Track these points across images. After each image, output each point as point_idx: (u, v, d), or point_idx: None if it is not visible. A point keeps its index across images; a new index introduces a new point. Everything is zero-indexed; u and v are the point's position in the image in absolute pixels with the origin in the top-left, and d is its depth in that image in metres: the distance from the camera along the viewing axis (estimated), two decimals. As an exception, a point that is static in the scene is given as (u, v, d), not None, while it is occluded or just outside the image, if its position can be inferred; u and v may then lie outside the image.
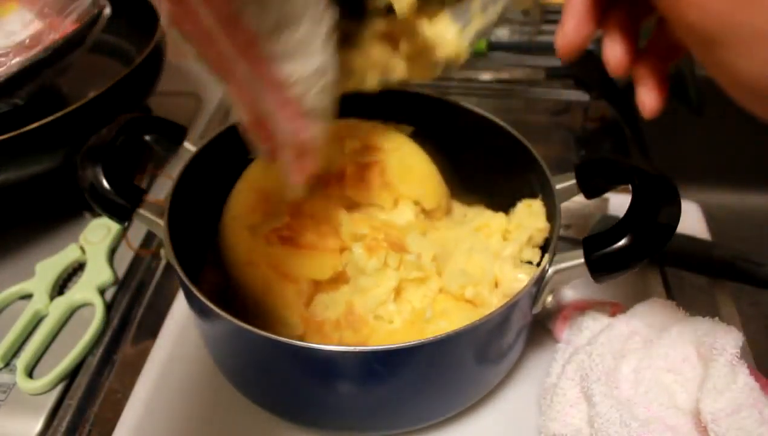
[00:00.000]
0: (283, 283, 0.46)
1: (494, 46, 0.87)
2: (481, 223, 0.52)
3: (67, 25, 0.60)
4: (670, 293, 0.57)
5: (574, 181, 0.47)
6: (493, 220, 0.52)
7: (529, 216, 0.50)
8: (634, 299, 0.50)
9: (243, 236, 0.47)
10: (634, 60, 0.36)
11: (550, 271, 0.43)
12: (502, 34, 0.92)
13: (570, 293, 0.55)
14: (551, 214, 0.48)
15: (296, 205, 0.50)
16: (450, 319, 0.44)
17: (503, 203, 0.55)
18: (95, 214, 0.65)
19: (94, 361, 0.53)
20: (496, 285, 0.47)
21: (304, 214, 0.50)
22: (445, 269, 0.49)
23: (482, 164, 0.57)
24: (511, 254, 0.49)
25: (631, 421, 0.40)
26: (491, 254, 0.49)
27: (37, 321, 0.55)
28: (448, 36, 0.45)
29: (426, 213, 0.55)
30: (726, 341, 0.41)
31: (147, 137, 0.51)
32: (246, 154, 0.54)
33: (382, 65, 0.47)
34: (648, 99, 0.36)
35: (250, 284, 0.46)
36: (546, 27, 0.92)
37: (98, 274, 0.58)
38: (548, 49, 0.87)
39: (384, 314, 0.46)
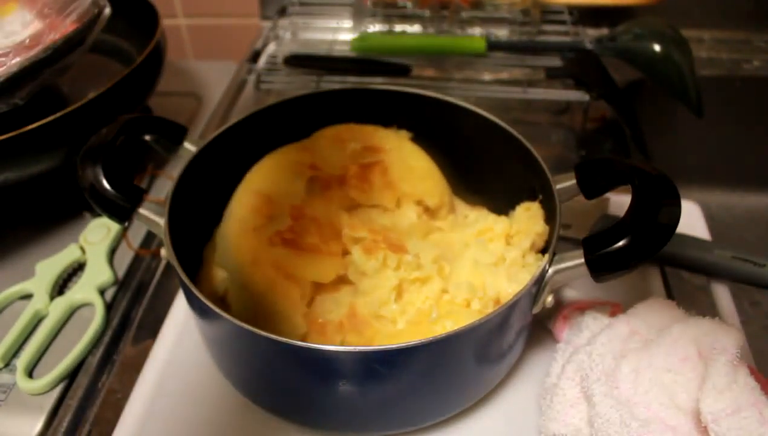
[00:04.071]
0: (286, 283, 0.46)
1: (494, 46, 0.87)
2: (485, 227, 0.52)
3: (67, 25, 0.60)
4: (670, 293, 0.57)
5: (574, 181, 0.47)
6: (496, 224, 0.52)
7: (528, 220, 0.50)
8: (634, 299, 0.50)
9: (247, 238, 0.47)
10: None
11: (550, 271, 0.43)
12: (502, 34, 0.92)
13: (570, 293, 0.55)
14: (551, 215, 0.48)
15: (298, 208, 0.50)
16: (456, 319, 0.44)
17: (503, 203, 0.55)
18: (95, 214, 0.65)
19: (94, 361, 0.53)
20: (498, 301, 0.47)
21: (306, 217, 0.50)
22: (450, 272, 0.49)
23: (482, 164, 0.58)
24: (513, 260, 0.49)
25: (631, 421, 0.40)
26: (496, 267, 0.48)
27: (37, 321, 0.55)
28: None
29: (429, 212, 0.55)
30: (726, 341, 0.41)
31: (147, 137, 0.51)
32: (246, 154, 0.54)
33: None
34: None
35: (253, 285, 0.46)
36: (546, 27, 0.92)
37: (98, 274, 0.58)
38: (548, 49, 0.87)
39: (387, 314, 0.46)
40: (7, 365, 0.52)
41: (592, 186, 0.46)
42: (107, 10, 0.63)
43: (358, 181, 0.54)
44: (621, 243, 0.39)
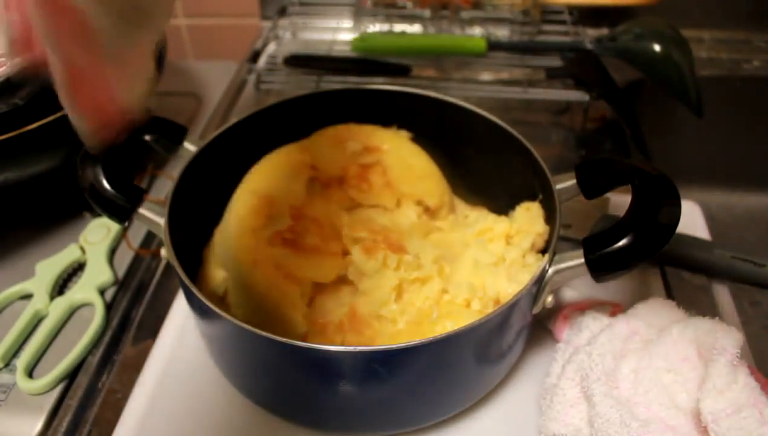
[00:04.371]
0: (286, 283, 0.46)
1: (494, 46, 0.87)
2: (485, 227, 0.52)
3: (67, 25, 0.60)
4: (670, 293, 0.57)
5: (574, 181, 0.47)
6: (496, 224, 0.52)
7: (528, 220, 0.50)
8: (634, 299, 0.50)
9: (247, 238, 0.48)
10: None
11: (550, 271, 0.43)
12: (502, 34, 0.92)
13: (570, 293, 0.55)
14: (551, 215, 0.48)
15: (298, 208, 0.51)
16: (456, 320, 0.44)
17: (503, 203, 0.55)
18: (95, 214, 0.65)
19: (94, 361, 0.53)
20: (498, 301, 0.47)
21: (306, 217, 0.50)
22: (450, 272, 0.49)
23: (482, 165, 0.58)
24: (513, 260, 0.49)
25: (631, 421, 0.40)
26: (496, 267, 0.48)
27: (37, 321, 0.55)
28: None
29: (429, 212, 0.55)
30: (726, 341, 0.41)
31: (147, 137, 0.51)
32: (246, 154, 0.54)
33: None
34: None
35: (254, 285, 0.46)
36: (546, 27, 0.92)
37: (98, 274, 0.58)
38: (548, 49, 0.87)
39: (387, 314, 0.46)
40: (7, 365, 0.52)
41: (592, 186, 0.46)
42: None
43: (358, 181, 0.54)
44: (621, 243, 0.39)
